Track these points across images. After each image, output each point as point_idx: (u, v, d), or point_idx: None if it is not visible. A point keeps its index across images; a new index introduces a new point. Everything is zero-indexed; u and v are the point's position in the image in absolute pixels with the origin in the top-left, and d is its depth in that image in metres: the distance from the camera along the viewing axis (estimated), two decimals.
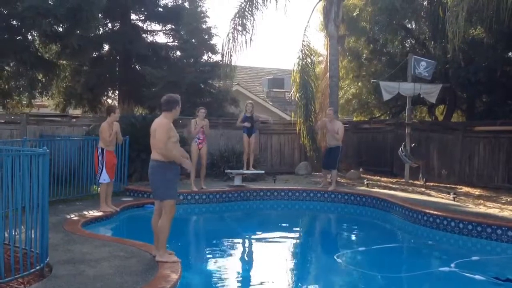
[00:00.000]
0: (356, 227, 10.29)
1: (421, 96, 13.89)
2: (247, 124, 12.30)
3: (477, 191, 12.03)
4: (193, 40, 15.71)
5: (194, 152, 11.06)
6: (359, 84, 18.49)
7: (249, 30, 14.03)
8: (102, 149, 8.64)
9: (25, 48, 13.52)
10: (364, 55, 18.19)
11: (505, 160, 12.63)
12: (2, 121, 12.32)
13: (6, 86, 15.41)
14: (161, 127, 5.65)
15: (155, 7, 17.17)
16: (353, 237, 9.64)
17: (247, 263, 7.63)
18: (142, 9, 17.23)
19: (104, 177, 8.67)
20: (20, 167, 4.72)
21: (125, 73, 17.10)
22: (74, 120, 13.41)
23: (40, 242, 4.94)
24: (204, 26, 15.87)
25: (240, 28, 14.00)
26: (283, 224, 10.49)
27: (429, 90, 13.45)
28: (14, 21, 12.94)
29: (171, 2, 17.36)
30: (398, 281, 6.57)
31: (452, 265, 6.69)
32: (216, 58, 15.93)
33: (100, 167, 8.64)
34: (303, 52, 14.63)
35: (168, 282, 4.90)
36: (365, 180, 12.80)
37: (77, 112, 18.19)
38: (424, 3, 15.70)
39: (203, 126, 10.96)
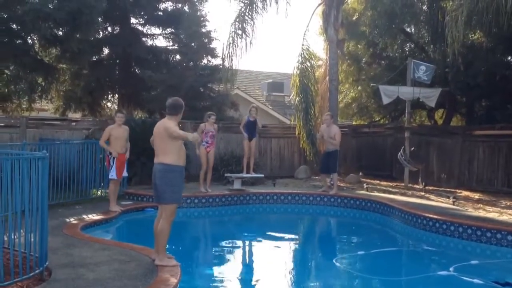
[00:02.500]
0: (355, 231, 10.29)
1: (421, 100, 13.90)
2: (245, 136, 12.23)
3: (476, 195, 12.04)
4: (193, 44, 15.74)
5: (203, 156, 11.14)
6: (359, 88, 18.48)
7: (249, 34, 14.11)
8: (110, 152, 9.06)
9: (25, 52, 13.51)
10: (364, 59, 18.18)
11: (504, 164, 12.65)
12: (2, 124, 12.30)
13: (6, 90, 15.40)
14: (169, 124, 5.69)
15: (154, 11, 17.17)
16: (352, 241, 9.64)
17: (246, 267, 7.62)
18: (142, 13, 17.23)
19: (112, 173, 9.00)
20: (20, 171, 4.72)
21: (124, 76, 17.09)
22: (73, 123, 13.40)
23: (39, 246, 4.94)
24: (203, 30, 15.91)
25: (240, 32, 14.04)
26: (283, 228, 10.47)
27: (428, 94, 13.46)
28: (14, 25, 12.95)
29: (171, 6, 17.36)
30: (397, 284, 6.57)
31: (451, 269, 6.69)
32: (216, 61, 16.01)
33: (111, 163, 9.02)
34: (302, 56, 14.65)
35: (167, 286, 4.90)
36: (364, 184, 12.80)
37: (77, 115, 18.17)
38: (424, 8, 15.71)
39: (214, 129, 11.32)
